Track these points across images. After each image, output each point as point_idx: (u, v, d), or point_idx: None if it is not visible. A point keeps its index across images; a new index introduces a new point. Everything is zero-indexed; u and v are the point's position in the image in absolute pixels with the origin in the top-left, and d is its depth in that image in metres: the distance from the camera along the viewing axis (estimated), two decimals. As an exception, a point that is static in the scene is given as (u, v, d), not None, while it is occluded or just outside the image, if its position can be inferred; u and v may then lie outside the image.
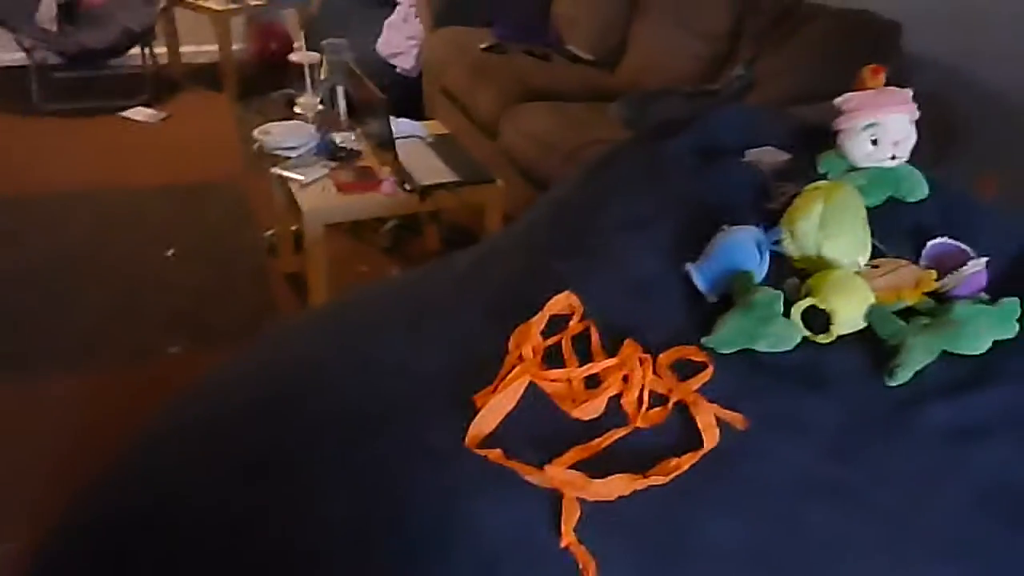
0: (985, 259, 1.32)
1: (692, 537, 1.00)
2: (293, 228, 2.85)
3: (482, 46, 3.59)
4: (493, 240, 1.72)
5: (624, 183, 1.51)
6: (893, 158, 1.45)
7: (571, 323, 1.26)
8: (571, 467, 1.05)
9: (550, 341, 1.24)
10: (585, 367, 1.17)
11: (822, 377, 1.18)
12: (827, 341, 1.19)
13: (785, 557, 1.00)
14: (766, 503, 1.04)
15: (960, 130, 2.26)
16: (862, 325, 1.21)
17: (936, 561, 1.01)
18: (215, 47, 4.60)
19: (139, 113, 4.11)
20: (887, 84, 1.51)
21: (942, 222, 1.43)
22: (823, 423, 1.13)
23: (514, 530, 1.01)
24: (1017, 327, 1.22)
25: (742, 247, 1.24)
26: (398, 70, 4.08)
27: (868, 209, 1.36)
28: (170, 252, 2.94)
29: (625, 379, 1.15)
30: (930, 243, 1.39)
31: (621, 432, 1.10)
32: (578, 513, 1.00)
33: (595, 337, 1.23)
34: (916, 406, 1.14)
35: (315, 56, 2.78)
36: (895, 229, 1.41)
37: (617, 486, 1.02)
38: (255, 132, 2.51)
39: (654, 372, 1.16)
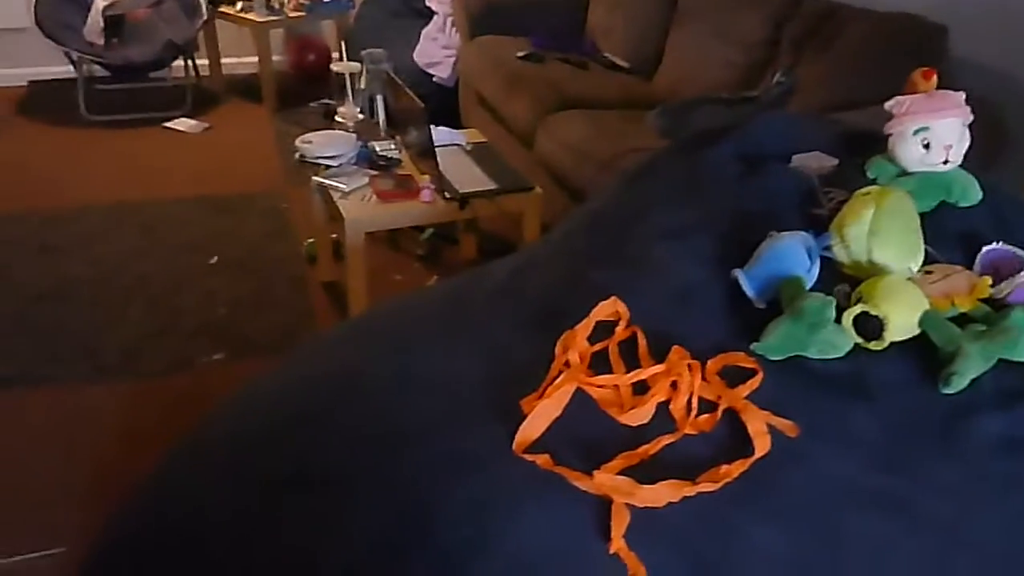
0: (1042, 265, 1.29)
1: (741, 545, 0.99)
2: (332, 236, 2.88)
3: (518, 55, 3.60)
4: (531, 249, 1.72)
5: (665, 191, 1.49)
6: (945, 162, 1.42)
7: (617, 329, 1.25)
8: (619, 473, 1.04)
9: (597, 347, 1.23)
10: (633, 373, 1.16)
11: (873, 385, 1.16)
12: (879, 348, 1.17)
13: (832, 566, 0.98)
14: (815, 512, 1.03)
15: (1010, 135, 2.21)
16: (916, 332, 1.18)
17: (985, 574, 0.99)
18: (254, 59, 4.68)
19: (181, 124, 4.19)
20: (938, 87, 1.48)
21: (995, 227, 1.40)
22: (874, 432, 1.11)
23: (561, 536, 1.00)
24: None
25: (792, 252, 1.22)
26: (434, 79, 4.11)
27: (920, 214, 1.33)
28: (213, 260, 2.98)
29: (673, 385, 1.14)
30: (985, 249, 1.36)
31: (669, 439, 1.09)
32: (627, 519, 0.99)
33: (642, 343, 1.22)
34: (970, 416, 1.12)
35: (355, 66, 2.81)
36: (947, 234, 1.38)
37: (666, 493, 1.01)
38: (296, 141, 2.54)
39: (702, 378, 1.15)
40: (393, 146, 2.67)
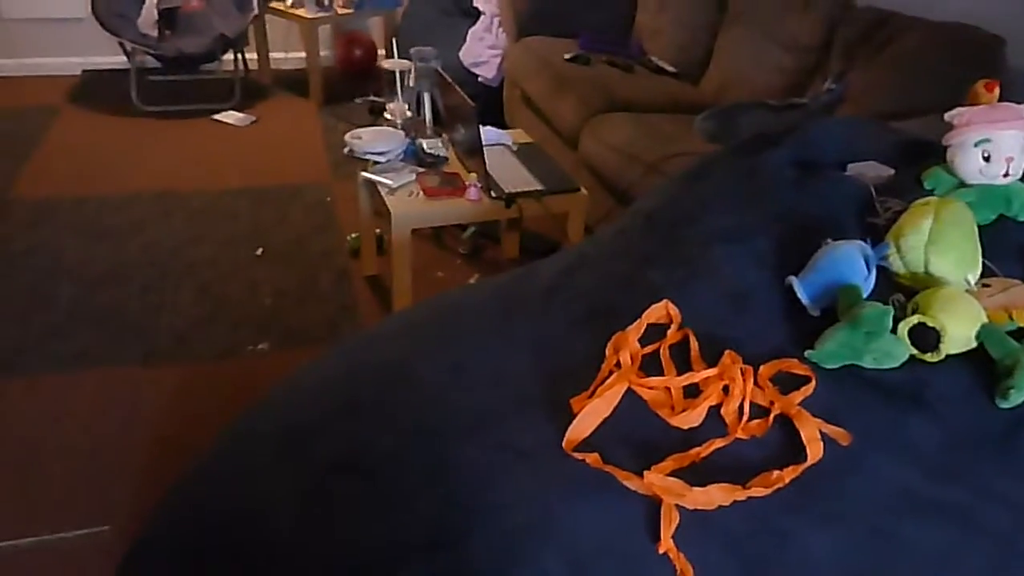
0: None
1: (791, 550, 0.99)
2: (376, 231, 2.91)
3: (565, 56, 3.61)
4: (581, 248, 1.72)
5: (721, 194, 1.49)
6: (1006, 175, 1.41)
7: (669, 332, 1.26)
8: (669, 475, 1.05)
9: (648, 349, 1.24)
10: (685, 376, 1.17)
11: (930, 395, 1.15)
12: (935, 360, 1.16)
13: (886, 574, 0.98)
14: (868, 519, 1.02)
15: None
16: (973, 344, 1.17)
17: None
18: (302, 54, 4.74)
19: (230, 116, 4.25)
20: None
21: (1055, 242, 1.38)
22: (929, 441, 1.11)
23: (610, 534, 1.01)
24: None
25: (849, 260, 1.22)
26: (479, 79, 4.13)
27: (978, 227, 1.32)
28: (259, 251, 3.03)
29: (725, 390, 1.14)
30: (1042, 263, 1.34)
31: (721, 442, 1.09)
32: (677, 520, 0.99)
33: (694, 346, 1.22)
34: (1028, 428, 1.11)
35: (406, 63, 2.84)
36: (1006, 248, 1.37)
37: (716, 495, 1.02)
38: (346, 136, 2.57)
39: (755, 383, 1.15)
40: (440, 144, 2.69)
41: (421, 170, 2.53)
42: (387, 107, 2.90)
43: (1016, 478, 1.06)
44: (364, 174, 2.55)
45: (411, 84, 2.92)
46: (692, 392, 1.17)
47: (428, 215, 2.41)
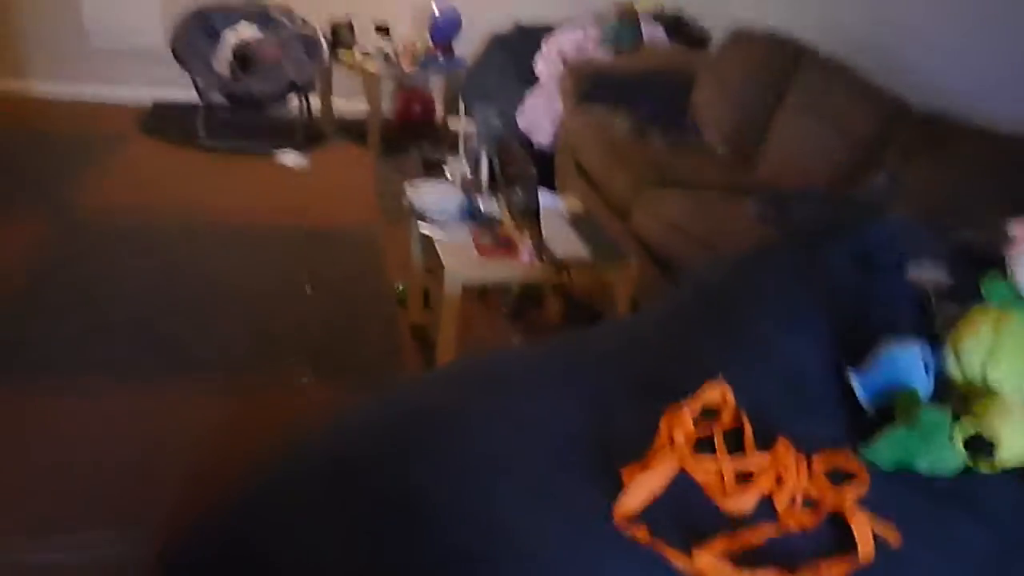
0: None
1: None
2: (424, 284, 2.97)
3: (621, 128, 3.69)
4: (635, 319, 1.76)
5: (781, 282, 1.53)
6: (1065, 291, 1.43)
7: (724, 414, 1.28)
8: (717, 557, 1.06)
9: (701, 432, 1.26)
10: (738, 460, 1.19)
11: (981, 504, 1.16)
12: (990, 470, 1.17)
13: None
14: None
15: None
16: (1028, 457, 1.18)
17: None
18: (364, 105, 4.89)
19: (288, 158, 4.38)
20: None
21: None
22: (979, 549, 1.11)
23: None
24: None
25: (909, 363, 1.24)
26: (534, 144, 4.23)
27: (1035, 340, 1.34)
28: (309, 289, 3.10)
29: (778, 479, 1.16)
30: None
31: (771, 530, 1.11)
32: (723, 604, 1.01)
33: (748, 431, 1.24)
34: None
35: (471, 123, 2.93)
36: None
37: (766, 583, 1.03)
38: (406, 187, 2.65)
39: (808, 474, 1.17)
40: (495, 204, 2.76)
41: (476, 228, 2.59)
42: (448, 163, 2.99)
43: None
44: (421, 227, 2.61)
45: (472, 144, 3.01)
46: (744, 479, 1.18)
47: (480, 273, 2.46)
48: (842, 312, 1.44)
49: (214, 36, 4.41)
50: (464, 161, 2.95)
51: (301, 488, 1.30)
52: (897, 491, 1.16)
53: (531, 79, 4.44)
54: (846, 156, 3.13)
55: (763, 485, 1.15)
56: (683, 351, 1.46)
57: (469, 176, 2.92)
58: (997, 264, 1.53)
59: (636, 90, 4.05)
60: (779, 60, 3.64)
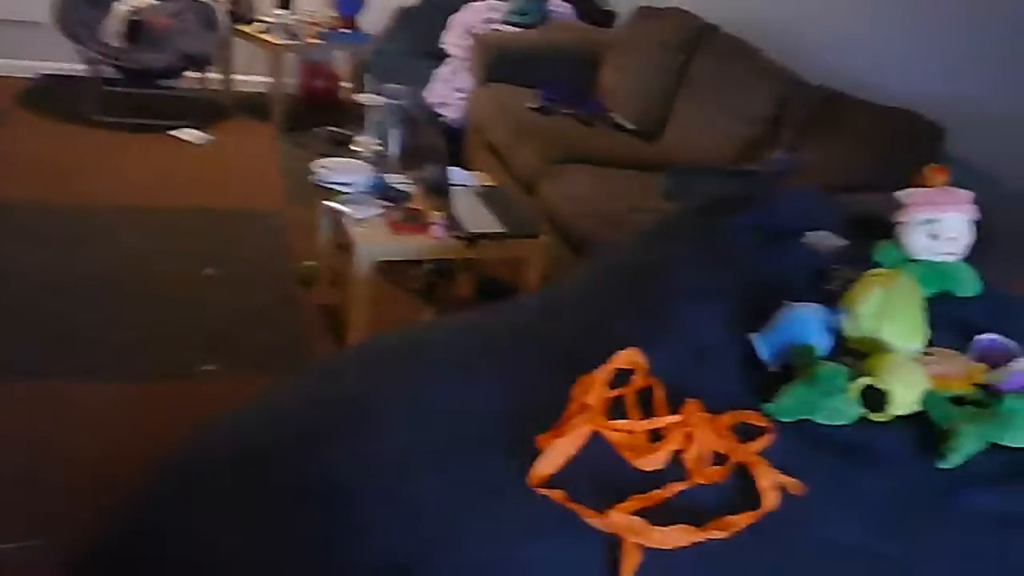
0: (1031, 357, 1.37)
1: (745, 595, 1.04)
2: (330, 262, 2.92)
3: (528, 106, 3.71)
4: (547, 294, 1.77)
5: (687, 253, 1.58)
6: (950, 254, 1.52)
7: (635, 378, 1.31)
8: (631, 515, 1.09)
9: (613, 393, 1.29)
10: (649, 420, 1.22)
11: (874, 453, 1.22)
12: (883, 420, 1.24)
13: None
14: (815, 570, 1.08)
15: (998, 234, 2.33)
16: (916, 408, 1.26)
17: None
18: (265, 78, 4.75)
19: (187, 134, 4.22)
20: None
21: (990, 319, 1.49)
22: (874, 498, 1.18)
23: (571, 572, 1.04)
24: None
25: (806, 322, 1.30)
26: (443, 119, 4.20)
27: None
28: (209, 271, 3.00)
29: (687, 436, 1.19)
30: (977, 337, 1.44)
31: (682, 485, 1.14)
32: (638, 559, 1.03)
33: (659, 393, 1.27)
34: (964, 490, 1.19)
35: (378, 99, 2.89)
36: (945, 321, 1.46)
37: (677, 536, 1.06)
38: (313, 164, 2.59)
39: (716, 432, 1.21)
40: (405, 180, 2.73)
41: (386, 204, 2.56)
42: (355, 140, 2.94)
43: (951, 536, 1.14)
44: (329, 203, 2.57)
45: (380, 119, 2.97)
46: (655, 438, 1.21)
47: (392, 249, 2.44)
48: (745, 279, 1.50)
49: (102, 5, 4.18)
50: (373, 137, 2.91)
51: (206, 481, 1.25)
52: (799, 444, 1.21)
53: (439, 54, 4.40)
54: (747, 132, 3.23)
55: (673, 443, 1.18)
56: (596, 323, 1.48)
57: (378, 152, 2.89)
58: (889, 231, 1.61)
59: (542, 68, 4.06)
60: (682, 37, 3.72)
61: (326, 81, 4.99)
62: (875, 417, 1.24)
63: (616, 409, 1.27)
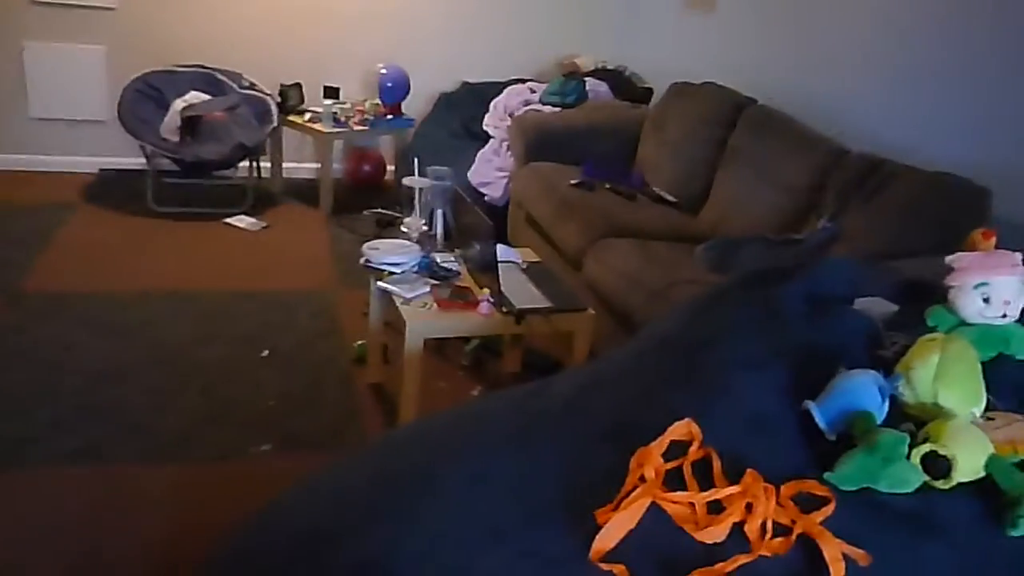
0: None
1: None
2: (382, 341, 2.97)
3: (570, 182, 3.78)
4: (596, 367, 1.78)
5: (737, 323, 1.58)
6: (1003, 316, 1.51)
7: (691, 449, 1.31)
8: (695, 589, 1.08)
9: (670, 465, 1.29)
10: (709, 492, 1.21)
11: (939, 521, 1.20)
12: (946, 487, 1.22)
13: None
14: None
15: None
16: (981, 474, 1.23)
17: None
18: (314, 165, 4.92)
19: (241, 221, 4.37)
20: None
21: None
22: (941, 568, 1.15)
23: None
24: None
25: (864, 388, 1.29)
26: (486, 199, 4.30)
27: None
28: (265, 353, 3.07)
29: (748, 507, 1.18)
30: (1040, 401, 1.42)
31: (745, 558, 1.13)
32: (704, 633, 1.02)
33: (716, 464, 1.27)
34: (1035, 558, 1.16)
35: (425, 181, 2.98)
36: (1004, 384, 1.45)
37: (744, 610, 1.05)
38: (363, 246, 2.67)
39: (777, 502, 1.20)
40: (452, 258, 2.80)
41: (434, 283, 2.62)
42: (404, 221, 3.02)
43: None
44: (379, 283, 2.63)
45: (426, 200, 3.06)
46: (715, 509, 1.21)
47: (441, 326, 2.48)
48: (799, 347, 1.50)
49: (161, 102, 4.41)
50: (419, 218, 2.99)
51: (268, 561, 1.27)
52: (862, 513, 1.20)
53: (480, 136, 4.54)
54: (788, 202, 3.24)
55: (734, 514, 1.17)
56: (646, 396, 1.48)
57: (425, 232, 2.97)
58: (940, 295, 1.61)
59: (582, 145, 4.16)
60: (721, 111, 3.79)
61: (372, 165, 5.16)
62: (938, 484, 1.22)
63: (674, 481, 1.27)
